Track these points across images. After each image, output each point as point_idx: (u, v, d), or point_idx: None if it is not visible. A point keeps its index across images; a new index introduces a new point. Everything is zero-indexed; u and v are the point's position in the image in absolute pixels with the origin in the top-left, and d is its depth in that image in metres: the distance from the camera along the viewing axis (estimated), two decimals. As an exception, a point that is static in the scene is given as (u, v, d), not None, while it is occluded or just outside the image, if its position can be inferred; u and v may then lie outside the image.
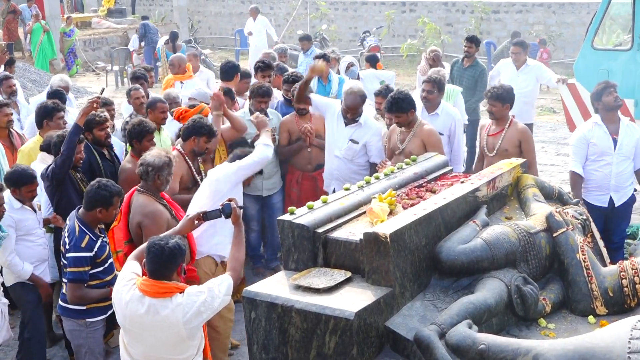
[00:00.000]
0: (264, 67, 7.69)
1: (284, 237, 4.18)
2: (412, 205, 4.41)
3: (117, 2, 24.13)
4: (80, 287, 4.38)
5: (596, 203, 6.12)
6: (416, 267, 3.98)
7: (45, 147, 5.69)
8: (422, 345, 3.56)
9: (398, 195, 4.61)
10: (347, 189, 4.72)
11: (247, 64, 15.40)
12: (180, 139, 5.75)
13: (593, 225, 4.90)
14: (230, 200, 4.01)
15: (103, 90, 6.00)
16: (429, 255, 4.07)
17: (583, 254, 4.24)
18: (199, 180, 5.62)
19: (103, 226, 4.62)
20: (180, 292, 3.53)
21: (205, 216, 3.94)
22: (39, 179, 5.19)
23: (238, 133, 6.31)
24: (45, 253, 5.20)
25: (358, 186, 4.77)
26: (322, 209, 4.30)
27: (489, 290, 3.92)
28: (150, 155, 4.73)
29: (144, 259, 3.61)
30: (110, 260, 4.57)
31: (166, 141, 6.40)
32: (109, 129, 5.93)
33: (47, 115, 6.15)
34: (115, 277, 4.23)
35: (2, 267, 5.08)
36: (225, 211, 3.94)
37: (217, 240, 5.02)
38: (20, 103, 8.09)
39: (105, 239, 4.55)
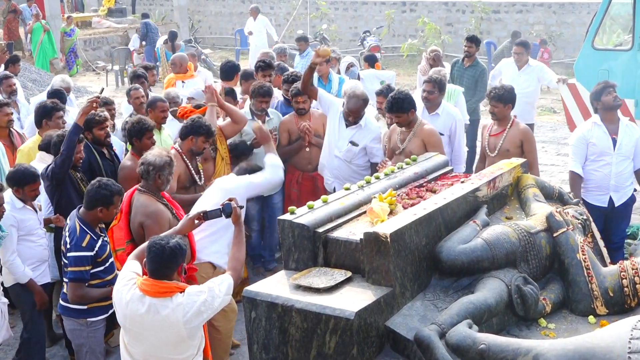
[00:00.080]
0: (264, 66, 7.69)
1: (284, 237, 4.18)
2: (412, 205, 4.41)
3: (118, 2, 24.14)
4: (81, 286, 4.38)
5: (596, 203, 6.12)
6: (416, 267, 3.98)
7: (44, 147, 5.69)
8: (422, 345, 3.57)
9: (398, 195, 4.61)
10: (348, 189, 4.72)
11: (248, 64, 15.40)
12: (178, 138, 5.76)
13: (593, 225, 4.90)
14: (230, 200, 4.00)
15: (102, 89, 6.00)
16: (429, 255, 4.07)
17: (583, 254, 4.24)
18: (197, 179, 5.62)
19: (103, 225, 4.62)
20: (181, 292, 3.53)
21: (205, 216, 3.94)
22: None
23: (238, 126, 6.30)
24: (45, 253, 5.19)
25: (358, 186, 4.77)
26: (323, 209, 4.30)
27: (489, 290, 3.92)
28: (151, 155, 4.73)
29: (145, 259, 3.61)
30: (110, 260, 4.57)
31: (167, 140, 6.40)
32: (108, 129, 5.93)
33: (46, 114, 6.15)
34: (116, 276, 4.23)
35: (1, 267, 5.07)
36: (226, 211, 3.94)
37: (215, 249, 5.01)
38: (20, 102, 8.10)
39: (106, 239, 4.55)
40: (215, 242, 5.01)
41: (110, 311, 4.32)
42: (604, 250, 4.83)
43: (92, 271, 4.41)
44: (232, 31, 22.49)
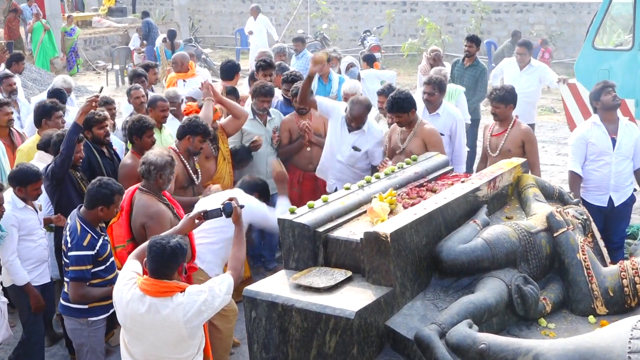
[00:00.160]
0: (265, 66, 7.69)
1: (284, 237, 4.18)
2: (412, 204, 4.41)
3: (118, 1, 24.15)
4: (82, 285, 4.38)
5: (595, 203, 6.12)
6: (417, 267, 3.98)
7: (43, 146, 5.69)
8: (422, 345, 3.57)
9: (399, 194, 4.61)
10: (348, 188, 4.72)
11: (248, 64, 15.40)
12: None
13: (593, 225, 4.90)
14: (231, 199, 4.00)
15: (102, 89, 6.00)
16: (430, 254, 4.07)
17: (583, 254, 4.24)
18: (194, 179, 5.62)
19: (104, 225, 4.62)
20: (181, 292, 3.53)
21: (206, 215, 3.93)
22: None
23: (240, 121, 6.30)
24: (45, 254, 5.18)
25: (359, 185, 4.77)
26: (323, 208, 4.30)
27: (490, 289, 3.92)
28: (153, 154, 4.73)
29: (145, 258, 3.61)
30: (111, 259, 4.57)
31: (167, 139, 6.40)
32: (108, 128, 5.93)
33: (45, 114, 6.15)
34: (116, 275, 4.23)
35: (1, 267, 5.06)
36: (226, 210, 3.94)
37: (210, 259, 5.00)
38: (21, 102, 8.10)
39: (106, 238, 4.55)
40: (212, 253, 4.99)
41: (111, 310, 4.32)
42: (604, 250, 4.83)
43: (93, 270, 4.41)
44: (232, 31, 22.48)
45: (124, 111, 7.78)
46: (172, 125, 6.72)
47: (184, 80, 9.18)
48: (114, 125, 6.80)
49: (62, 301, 4.55)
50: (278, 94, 7.47)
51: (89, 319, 4.48)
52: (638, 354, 3.03)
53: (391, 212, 4.29)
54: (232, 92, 7.11)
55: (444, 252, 4.02)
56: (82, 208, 4.47)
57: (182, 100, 7.40)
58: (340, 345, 3.56)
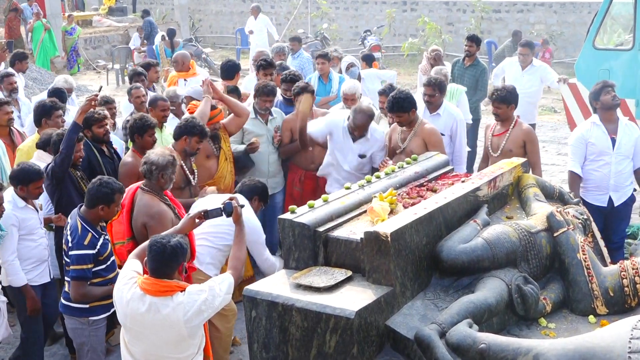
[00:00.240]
0: (265, 65, 7.68)
1: (284, 236, 4.18)
2: (413, 204, 4.41)
3: (118, 1, 24.16)
4: (83, 284, 4.39)
5: (595, 203, 6.11)
6: (417, 266, 3.98)
7: (42, 145, 5.69)
8: (422, 345, 3.57)
9: (399, 194, 4.61)
10: (348, 188, 4.72)
11: (248, 63, 15.37)
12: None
13: (594, 225, 4.90)
14: (231, 199, 4.00)
15: (101, 88, 6.00)
16: (430, 254, 4.07)
17: (584, 254, 4.24)
18: (191, 179, 5.61)
19: (104, 224, 4.62)
20: (181, 291, 3.53)
21: (206, 215, 3.93)
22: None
23: (241, 119, 6.28)
24: (45, 253, 5.16)
25: (359, 185, 4.77)
26: (323, 208, 4.30)
27: (490, 289, 3.92)
28: (154, 154, 4.73)
29: (145, 258, 3.61)
30: (112, 258, 4.57)
31: (168, 139, 6.39)
32: (108, 126, 5.94)
33: (45, 113, 6.14)
34: (117, 274, 4.23)
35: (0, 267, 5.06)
36: (227, 210, 3.94)
37: (209, 261, 5.01)
38: (21, 100, 8.10)
39: (107, 237, 4.55)
40: (211, 256, 5.00)
41: (112, 310, 4.32)
42: (605, 250, 4.83)
43: (93, 269, 4.41)
44: (232, 30, 22.47)
45: (124, 110, 7.78)
46: (172, 125, 6.71)
47: (185, 80, 9.18)
48: (114, 124, 6.80)
49: (62, 300, 4.55)
50: (277, 94, 7.46)
51: (90, 318, 4.48)
52: (638, 354, 3.03)
53: (391, 212, 4.30)
54: (234, 91, 7.10)
55: (444, 252, 4.02)
56: (83, 207, 4.48)
57: (182, 100, 7.40)
58: (341, 345, 3.56)
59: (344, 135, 6.15)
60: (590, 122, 6.20)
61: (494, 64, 13.61)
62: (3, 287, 5.00)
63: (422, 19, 18.86)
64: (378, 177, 4.95)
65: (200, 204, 4.99)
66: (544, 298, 4.13)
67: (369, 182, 4.83)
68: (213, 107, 6.11)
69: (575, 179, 6.13)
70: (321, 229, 4.09)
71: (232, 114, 6.37)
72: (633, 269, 4.15)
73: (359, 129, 6.02)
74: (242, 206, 4.02)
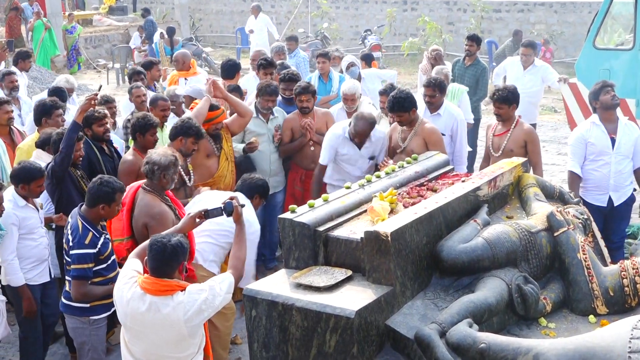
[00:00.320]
0: (266, 64, 7.69)
1: (285, 236, 4.18)
2: (413, 203, 4.41)
3: (119, 0, 24.13)
4: (84, 284, 4.38)
5: (595, 203, 6.11)
6: (417, 266, 3.98)
7: (41, 144, 5.68)
8: (422, 344, 3.57)
9: (399, 193, 4.61)
10: (348, 187, 4.72)
11: (248, 63, 15.35)
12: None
13: (594, 224, 4.90)
14: (232, 198, 4.00)
15: (101, 87, 6.00)
16: (430, 254, 4.07)
17: (584, 254, 4.24)
18: (187, 180, 5.61)
19: (105, 223, 4.62)
20: (182, 290, 3.53)
21: (206, 214, 3.93)
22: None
23: (244, 119, 6.28)
24: (45, 253, 5.15)
25: (359, 185, 4.77)
26: (323, 208, 4.30)
27: (490, 289, 3.92)
28: (157, 154, 4.72)
29: (146, 257, 3.61)
30: (113, 257, 4.57)
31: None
32: (108, 125, 5.94)
33: (45, 113, 6.14)
34: (118, 273, 4.23)
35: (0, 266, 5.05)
36: (227, 209, 3.94)
37: (212, 258, 5.02)
38: (22, 99, 8.09)
39: (107, 236, 4.55)
40: (214, 253, 5.02)
41: (113, 309, 4.32)
42: (605, 250, 4.83)
43: (94, 269, 4.41)
44: (233, 30, 22.47)
45: (123, 110, 7.77)
46: (173, 125, 6.73)
47: (186, 79, 9.17)
48: (114, 123, 6.80)
49: (63, 300, 4.55)
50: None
51: (91, 317, 4.48)
52: (638, 354, 3.03)
53: (392, 211, 4.29)
54: (236, 90, 7.10)
55: (444, 252, 4.02)
56: (84, 206, 4.48)
57: (182, 100, 7.40)
58: (341, 345, 3.56)
59: (348, 146, 6.11)
60: (589, 122, 6.20)
61: (495, 64, 13.61)
62: (2, 287, 5.00)
63: (423, 18, 18.87)
64: (378, 176, 4.95)
65: (199, 203, 4.99)
66: (544, 298, 4.13)
67: (369, 181, 4.83)
68: (215, 107, 6.09)
69: (574, 179, 6.12)
70: (321, 229, 4.09)
71: (235, 114, 6.36)
72: (633, 268, 4.15)
73: (359, 135, 5.98)
74: (242, 206, 4.02)
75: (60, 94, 7.03)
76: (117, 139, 6.44)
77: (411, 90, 6.40)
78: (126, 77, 15.67)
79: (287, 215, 4.21)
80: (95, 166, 5.64)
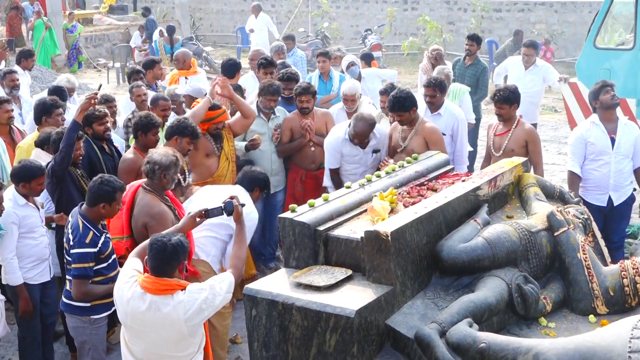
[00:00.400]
0: (266, 64, 7.68)
1: (285, 235, 4.18)
2: (413, 203, 4.41)
3: (119, -1, 24.17)
4: (85, 283, 4.38)
5: (595, 202, 6.11)
6: (417, 266, 3.98)
7: (40, 144, 5.68)
8: (422, 344, 3.57)
9: (399, 193, 4.61)
10: (349, 187, 4.72)
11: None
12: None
13: (594, 224, 4.90)
14: (232, 197, 4.00)
15: (101, 86, 6.00)
16: (430, 253, 4.07)
17: (584, 253, 4.24)
18: (181, 180, 5.60)
19: (105, 222, 4.62)
20: (182, 290, 3.53)
21: (207, 214, 3.93)
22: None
23: (248, 121, 6.27)
24: (45, 252, 5.14)
25: (359, 184, 4.77)
26: (324, 207, 4.30)
27: (490, 289, 3.92)
28: (157, 154, 4.72)
29: (146, 256, 3.61)
30: (113, 256, 4.56)
31: (169, 138, 6.39)
32: (108, 124, 5.94)
33: (45, 111, 6.13)
34: (119, 272, 4.23)
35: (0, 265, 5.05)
36: (227, 209, 3.94)
37: (214, 252, 5.02)
38: (23, 98, 8.09)
39: (108, 235, 4.54)
40: (216, 247, 5.01)
41: (113, 308, 4.32)
42: (605, 250, 4.83)
43: (95, 268, 4.41)
44: (233, 29, 22.47)
45: (122, 109, 7.77)
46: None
47: (186, 78, 9.16)
48: (114, 123, 6.79)
49: (64, 299, 4.55)
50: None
51: (92, 316, 4.48)
52: (638, 354, 3.04)
53: (392, 211, 4.30)
54: (237, 89, 7.10)
55: (444, 251, 4.02)
56: (84, 205, 4.48)
57: (182, 100, 7.40)
58: (341, 344, 3.56)
59: (351, 147, 6.11)
60: (589, 121, 6.20)
61: (495, 64, 13.61)
62: (2, 285, 5.00)
63: (423, 17, 18.87)
64: (378, 176, 4.95)
65: (199, 200, 4.99)
66: (544, 297, 4.13)
67: (369, 181, 4.83)
68: (217, 107, 6.09)
69: (574, 179, 6.12)
70: (321, 228, 4.09)
71: (237, 115, 6.36)
72: (633, 268, 4.15)
73: (359, 136, 5.97)
74: (243, 205, 4.02)
75: (61, 93, 7.03)
76: (117, 138, 6.43)
77: (411, 89, 6.40)
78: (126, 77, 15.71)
79: (287, 214, 4.21)
80: (95, 165, 5.64)
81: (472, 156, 8.69)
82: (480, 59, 9.46)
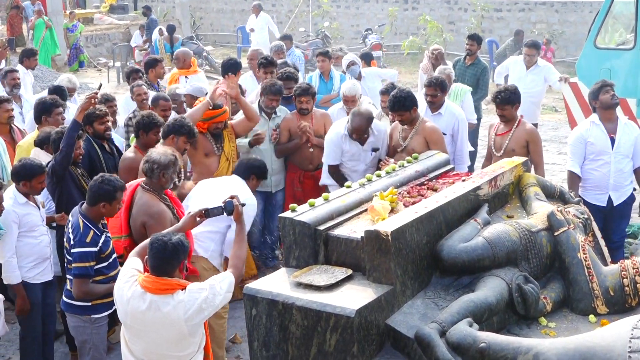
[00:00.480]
0: (266, 63, 7.67)
1: (285, 235, 4.18)
2: (413, 203, 4.41)
3: (119, -1, 24.16)
4: (86, 282, 4.38)
5: (595, 202, 6.11)
6: (417, 265, 3.98)
7: (39, 143, 5.68)
8: (422, 343, 3.57)
9: (399, 193, 4.61)
10: (349, 187, 4.72)
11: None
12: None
13: (594, 224, 4.90)
14: (232, 197, 4.00)
15: (101, 85, 6.00)
16: (430, 253, 4.07)
17: (584, 253, 4.24)
18: (176, 180, 5.60)
19: (106, 222, 4.62)
20: (182, 289, 3.53)
21: (207, 213, 3.93)
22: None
23: (251, 123, 6.27)
24: (47, 251, 5.14)
25: (359, 184, 4.77)
26: (324, 207, 4.30)
27: (490, 288, 3.92)
28: (156, 153, 4.72)
29: (146, 256, 3.61)
30: (114, 256, 4.56)
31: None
32: (109, 123, 5.94)
33: (45, 111, 6.13)
34: (119, 272, 4.23)
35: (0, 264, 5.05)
36: (227, 208, 3.94)
37: (213, 247, 5.03)
38: (24, 97, 8.09)
39: (108, 235, 4.55)
40: (215, 242, 5.02)
41: (114, 307, 4.32)
42: (605, 250, 4.83)
43: (95, 267, 4.41)
44: (233, 28, 22.47)
45: (122, 108, 7.76)
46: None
47: (186, 77, 9.16)
48: (114, 122, 6.80)
49: (64, 298, 4.55)
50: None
51: (92, 316, 4.48)
52: (638, 354, 3.04)
53: (392, 211, 4.29)
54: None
55: (444, 251, 4.02)
56: (84, 205, 4.48)
57: (183, 99, 7.40)
58: (341, 344, 3.56)
59: (350, 143, 6.11)
60: (589, 121, 6.20)
61: (495, 63, 13.61)
62: (3, 285, 5.00)
63: (424, 17, 18.86)
64: (379, 175, 4.95)
65: (198, 196, 4.99)
66: (544, 297, 4.13)
67: (369, 180, 4.83)
68: (218, 106, 6.09)
69: (574, 179, 6.12)
70: (322, 228, 4.09)
71: (241, 116, 6.35)
72: (633, 268, 4.15)
73: (357, 131, 5.98)
74: (243, 204, 4.02)
75: (61, 93, 7.02)
76: (117, 138, 6.44)
77: (412, 89, 6.40)
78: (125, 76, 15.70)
79: (287, 214, 4.21)
80: (96, 164, 5.64)
81: (472, 156, 8.68)
82: (481, 58, 9.46)
